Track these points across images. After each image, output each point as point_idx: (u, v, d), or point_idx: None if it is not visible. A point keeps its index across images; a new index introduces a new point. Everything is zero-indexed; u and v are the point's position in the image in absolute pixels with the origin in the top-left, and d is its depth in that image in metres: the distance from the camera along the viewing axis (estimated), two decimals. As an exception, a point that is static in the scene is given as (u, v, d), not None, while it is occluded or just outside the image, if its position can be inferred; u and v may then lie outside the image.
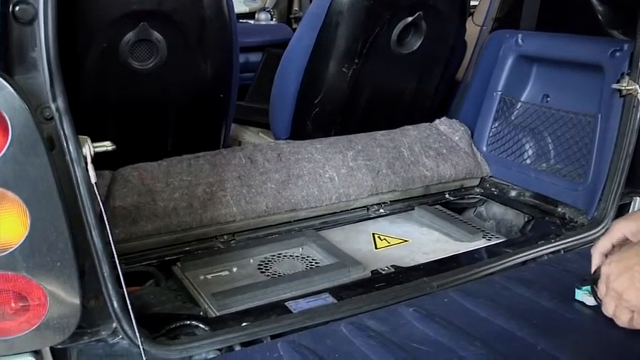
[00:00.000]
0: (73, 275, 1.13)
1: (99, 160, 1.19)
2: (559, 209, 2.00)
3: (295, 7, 4.24)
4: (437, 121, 2.35)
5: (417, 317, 1.29)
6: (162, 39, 1.87)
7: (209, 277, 1.62)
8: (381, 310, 1.35)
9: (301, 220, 1.93)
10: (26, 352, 1.17)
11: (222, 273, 1.65)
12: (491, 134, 2.28)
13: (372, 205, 2.07)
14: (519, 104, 2.21)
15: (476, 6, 2.78)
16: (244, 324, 1.35)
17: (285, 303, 1.45)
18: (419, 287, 1.51)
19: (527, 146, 2.17)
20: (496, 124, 2.26)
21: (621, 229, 1.17)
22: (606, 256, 1.19)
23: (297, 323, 1.35)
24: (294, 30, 3.55)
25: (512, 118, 2.23)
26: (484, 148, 2.29)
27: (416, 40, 2.26)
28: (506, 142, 2.23)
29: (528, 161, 2.17)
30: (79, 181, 1.15)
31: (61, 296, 1.13)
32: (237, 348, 1.30)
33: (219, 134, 2.25)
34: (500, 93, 2.24)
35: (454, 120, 2.35)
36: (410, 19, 2.18)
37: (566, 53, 2.03)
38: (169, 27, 1.87)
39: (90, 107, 1.85)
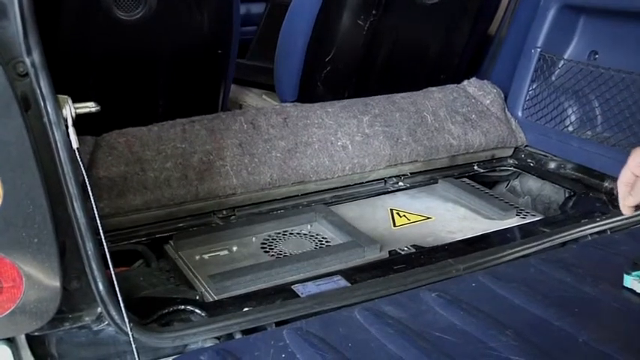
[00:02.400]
0: (53, 253, 1.13)
1: (81, 123, 1.18)
2: (606, 184, 1.97)
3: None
4: (465, 82, 2.33)
5: (440, 303, 1.28)
6: (152, -15, 1.85)
7: (206, 257, 1.63)
8: (400, 295, 1.35)
9: (310, 193, 1.93)
10: (-1, 340, 1.18)
11: (221, 252, 1.65)
12: (528, 97, 2.24)
13: (390, 177, 2.06)
14: (562, 62, 2.17)
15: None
16: (246, 309, 1.36)
17: (292, 286, 1.45)
18: (443, 270, 1.50)
19: (569, 111, 2.14)
20: (534, 86, 2.23)
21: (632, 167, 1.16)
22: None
23: (306, 309, 1.35)
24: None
25: (553, 78, 2.19)
26: (519, 114, 2.26)
27: (443, -13, 2.22)
28: (546, 107, 2.20)
29: (571, 128, 2.14)
30: (59, 147, 1.15)
31: (39, 277, 1.13)
32: (238, 336, 1.30)
33: (217, 96, 2.23)
34: (539, 50, 2.20)
35: (485, 81, 2.33)
36: (436, -38, 2.14)
37: (619, 1, 1.98)
38: (159, -30, 1.85)
39: (70, 63, 1.84)
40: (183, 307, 1.37)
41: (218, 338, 1.31)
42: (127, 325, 1.20)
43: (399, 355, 1.13)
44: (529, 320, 1.23)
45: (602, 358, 1.13)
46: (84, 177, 1.18)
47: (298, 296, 1.41)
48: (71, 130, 1.16)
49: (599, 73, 2.05)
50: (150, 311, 1.34)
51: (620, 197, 1.17)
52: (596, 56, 2.09)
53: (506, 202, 1.97)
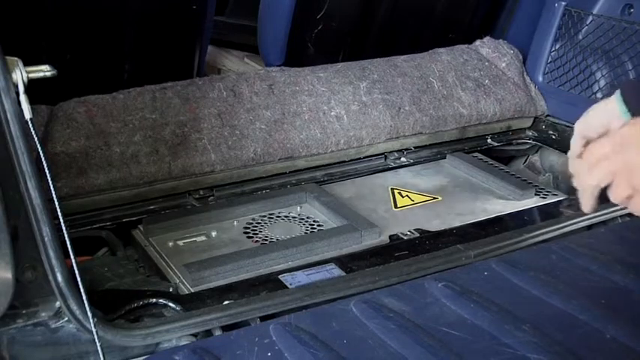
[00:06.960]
0: (3, 240, 1.13)
1: (34, 90, 1.17)
2: None
3: None
4: (478, 42, 2.33)
5: (447, 294, 1.29)
6: None
7: (180, 243, 1.63)
8: (402, 286, 1.36)
9: (299, 170, 1.94)
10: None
11: (198, 238, 1.66)
12: (550, 59, 2.25)
13: (391, 151, 2.07)
14: (590, 18, 2.17)
15: None
16: (226, 302, 1.36)
17: (279, 276, 1.47)
18: (451, 257, 1.52)
19: (598, 75, 2.15)
20: (557, 46, 2.23)
21: (581, 131, 1.03)
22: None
23: (295, 301, 1.36)
24: None
25: (580, 37, 2.19)
26: (540, 78, 2.27)
27: None
28: (571, 70, 2.20)
29: (600, 95, 2.14)
30: (9, 117, 1.14)
31: (-13, 267, 1.13)
32: (218, 332, 1.31)
33: (191, 59, 2.23)
34: (564, 3, 2.20)
35: (501, 41, 2.33)
36: None
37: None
38: None
39: (20, 19, 1.82)
40: (154, 300, 1.37)
41: (195, 335, 1.31)
42: (91, 321, 1.20)
43: (401, 353, 1.14)
44: (549, 313, 1.24)
45: (632, 356, 1.14)
46: (38, 152, 1.17)
47: (286, 287, 1.42)
48: (23, 98, 1.15)
49: (634, 31, 2.05)
50: (116, 305, 1.34)
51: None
52: (631, 10, 2.09)
53: (524, 180, 1.98)
